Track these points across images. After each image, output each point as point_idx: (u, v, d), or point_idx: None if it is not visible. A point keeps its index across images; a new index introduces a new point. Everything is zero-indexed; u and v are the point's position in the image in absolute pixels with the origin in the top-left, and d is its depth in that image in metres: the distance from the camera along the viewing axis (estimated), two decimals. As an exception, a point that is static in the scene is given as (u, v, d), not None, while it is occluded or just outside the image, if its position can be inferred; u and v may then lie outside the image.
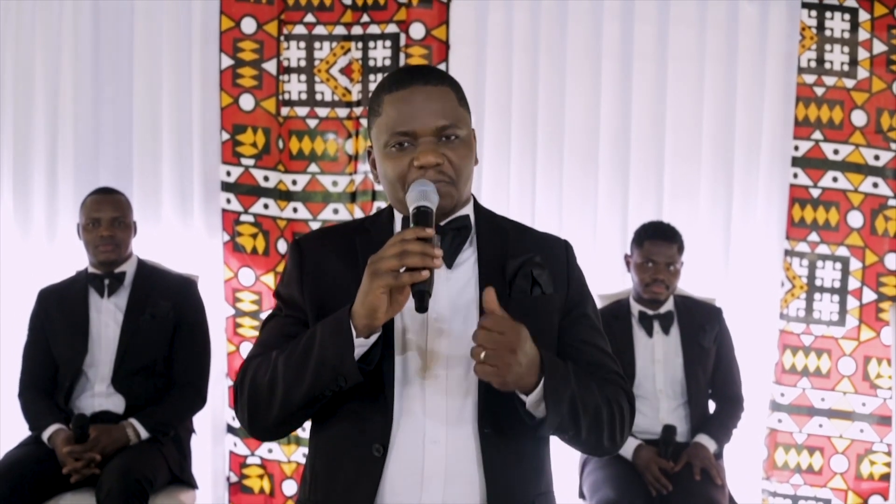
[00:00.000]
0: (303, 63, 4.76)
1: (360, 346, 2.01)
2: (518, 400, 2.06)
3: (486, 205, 2.34)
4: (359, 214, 4.71)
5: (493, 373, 1.97)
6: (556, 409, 2.04)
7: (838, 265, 4.63)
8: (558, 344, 2.22)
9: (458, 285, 2.16)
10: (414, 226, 1.99)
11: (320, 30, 4.74)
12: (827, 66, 4.58)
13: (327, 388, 2.03)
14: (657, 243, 4.20)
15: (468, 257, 2.20)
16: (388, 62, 4.70)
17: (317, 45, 4.75)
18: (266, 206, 4.76)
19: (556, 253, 2.27)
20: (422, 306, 1.94)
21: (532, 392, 2.03)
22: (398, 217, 2.22)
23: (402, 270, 1.93)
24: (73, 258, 4.51)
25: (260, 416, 2.14)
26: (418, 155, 2.08)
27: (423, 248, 1.93)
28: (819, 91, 4.59)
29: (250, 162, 4.76)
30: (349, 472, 2.12)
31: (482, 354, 1.96)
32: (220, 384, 4.70)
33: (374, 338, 2.02)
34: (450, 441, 2.09)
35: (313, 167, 4.76)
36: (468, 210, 2.23)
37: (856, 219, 4.61)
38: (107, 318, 4.16)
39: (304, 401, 2.07)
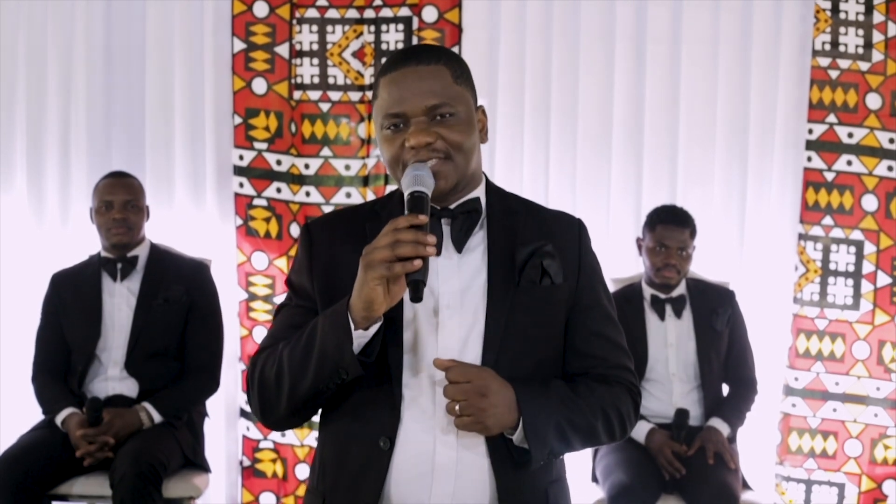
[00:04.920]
0: (315, 46, 4.75)
1: (360, 338, 1.99)
2: (507, 438, 2.07)
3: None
4: (371, 198, 4.69)
5: (473, 422, 2.00)
6: (541, 444, 2.05)
7: (852, 249, 4.61)
8: (567, 333, 2.20)
9: (468, 271, 2.14)
10: (408, 212, 1.96)
11: (332, 13, 4.72)
12: (841, 48, 4.56)
13: (330, 381, 2.03)
14: (669, 228, 4.20)
15: (479, 243, 2.17)
16: (400, 45, 4.68)
17: (329, 28, 4.74)
18: (279, 190, 4.76)
19: (569, 235, 2.23)
20: (416, 296, 1.91)
21: (517, 430, 2.04)
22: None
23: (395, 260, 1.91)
24: (86, 242, 4.52)
25: (271, 408, 2.14)
26: (409, 136, 2.07)
27: (416, 236, 1.90)
28: (833, 74, 4.57)
29: (263, 146, 4.75)
30: (356, 464, 2.11)
31: (457, 408, 1.98)
32: (232, 368, 4.70)
33: (373, 329, 2.00)
34: (461, 432, 2.07)
35: (326, 151, 4.76)
36: (479, 192, 2.20)
37: (870, 202, 4.59)
38: (120, 301, 4.17)
39: (309, 394, 2.06)
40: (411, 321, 2.11)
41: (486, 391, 1.99)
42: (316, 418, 2.25)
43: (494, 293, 2.11)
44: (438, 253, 2.11)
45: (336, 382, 2.03)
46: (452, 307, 2.11)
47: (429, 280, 2.03)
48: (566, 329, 2.20)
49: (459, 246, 2.14)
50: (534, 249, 2.16)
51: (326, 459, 2.19)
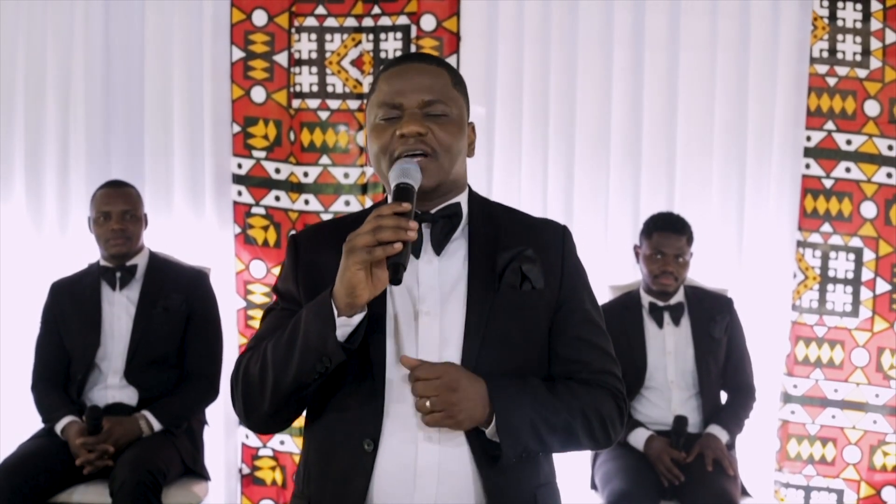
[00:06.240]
0: (314, 55, 4.75)
1: (344, 325, 2.00)
2: (482, 435, 2.07)
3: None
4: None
5: (444, 416, 2.00)
6: (513, 439, 2.04)
7: (851, 256, 4.61)
8: (550, 338, 2.20)
9: (448, 276, 2.15)
10: (392, 201, 2.00)
11: (331, 22, 4.73)
12: (839, 56, 4.56)
13: (313, 369, 2.03)
14: (666, 235, 4.20)
15: (458, 248, 2.18)
16: (399, 54, 4.68)
17: (328, 36, 4.74)
18: (277, 199, 4.76)
19: (551, 241, 2.24)
20: (395, 278, 1.94)
21: (490, 425, 2.04)
22: None
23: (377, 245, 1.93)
24: (85, 251, 4.53)
25: (254, 407, 2.15)
26: (402, 124, 2.10)
27: (397, 221, 1.93)
28: (831, 81, 4.57)
29: (261, 154, 4.76)
30: (341, 467, 2.11)
31: (427, 403, 1.99)
32: (232, 376, 4.70)
33: (357, 318, 2.02)
34: (444, 437, 2.08)
35: (325, 159, 4.76)
36: (461, 198, 2.22)
37: (869, 209, 4.59)
38: (119, 310, 4.17)
39: (293, 387, 2.07)
40: (392, 325, 2.12)
41: (455, 385, 2.00)
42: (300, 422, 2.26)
43: (474, 298, 2.12)
44: (418, 256, 2.14)
45: (319, 372, 2.03)
46: (432, 313, 2.12)
47: (409, 283, 2.09)
48: (549, 334, 2.20)
49: (439, 249, 2.16)
50: (514, 254, 2.17)
51: (311, 464, 2.20)
